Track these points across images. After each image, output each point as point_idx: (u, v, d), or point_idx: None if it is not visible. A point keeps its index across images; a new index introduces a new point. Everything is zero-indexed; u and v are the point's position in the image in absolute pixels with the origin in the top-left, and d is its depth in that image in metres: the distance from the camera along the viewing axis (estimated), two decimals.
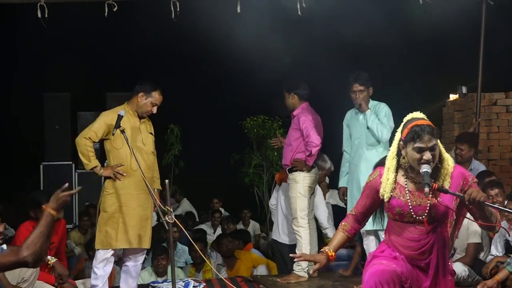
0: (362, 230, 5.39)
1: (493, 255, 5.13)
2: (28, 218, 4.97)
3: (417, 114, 3.29)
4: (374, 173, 3.45)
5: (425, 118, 3.27)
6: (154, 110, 4.91)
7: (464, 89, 8.16)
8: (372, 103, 5.39)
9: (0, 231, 3.62)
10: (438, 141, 3.24)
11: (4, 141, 10.28)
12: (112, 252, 4.83)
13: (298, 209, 5.55)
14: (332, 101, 5.67)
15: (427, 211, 3.22)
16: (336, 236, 3.49)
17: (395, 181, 3.31)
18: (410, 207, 3.24)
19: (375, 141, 5.30)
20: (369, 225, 5.29)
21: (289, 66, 8.45)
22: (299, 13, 5.40)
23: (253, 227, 9.00)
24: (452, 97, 8.58)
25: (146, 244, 4.91)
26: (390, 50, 8.48)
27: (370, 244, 5.36)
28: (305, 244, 5.52)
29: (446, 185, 3.21)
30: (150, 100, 4.86)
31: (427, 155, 3.14)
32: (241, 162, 10.44)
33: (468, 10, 6.11)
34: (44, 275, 4.68)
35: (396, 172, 3.31)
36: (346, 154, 5.56)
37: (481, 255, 5.32)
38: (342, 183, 5.57)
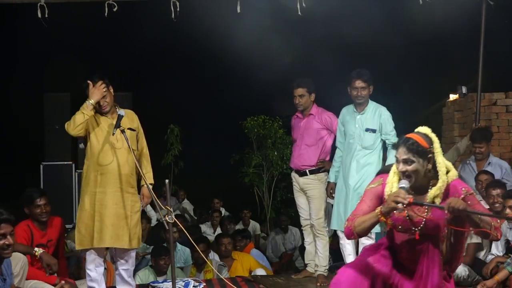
0: (338, 231, 5.42)
1: (493, 255, 5.13)
2: (23, 216, 4.93)
3: (421, 129, 3.34)
4: (377, 181, 3.45)
5: (426, 133, 3.31)
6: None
7: (464, 89, 8.14)
8: (372, 104, 5.35)
9: (7, 243, 3.61)
10: (438, 154, 3.25)
11: (4, 141, 10.27)
12: (95, 252, 4.75)
13: (324, 210, 5.54)
14: (332, 101, 5.65)
15: (422, 224, 3.25)
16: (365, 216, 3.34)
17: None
18: (408, 219, 3.27)
19: (370, 145, 5.24)
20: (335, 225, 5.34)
21: (289, 66, 8.45)
22: (299, 13, 5.39)
23: (253, 227, 8.99)
24: (452, 97, 8.58)
25: (125, 244, 4.73)
26: (390, 50, 8.48)
27: (347, 246, 5.32)
28: (327, 242, 5.58)
29: (437, 201, 3.21)
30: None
31: (400, 166, 3.24)
32: (241, 162, 10.45)
33: (468, 10, 6.11)
34: (44, 276, 4.68)
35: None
36: (338, 151, 5.46)
37: (481, 255, 5.32)
38: (331, 178, 5.47)
